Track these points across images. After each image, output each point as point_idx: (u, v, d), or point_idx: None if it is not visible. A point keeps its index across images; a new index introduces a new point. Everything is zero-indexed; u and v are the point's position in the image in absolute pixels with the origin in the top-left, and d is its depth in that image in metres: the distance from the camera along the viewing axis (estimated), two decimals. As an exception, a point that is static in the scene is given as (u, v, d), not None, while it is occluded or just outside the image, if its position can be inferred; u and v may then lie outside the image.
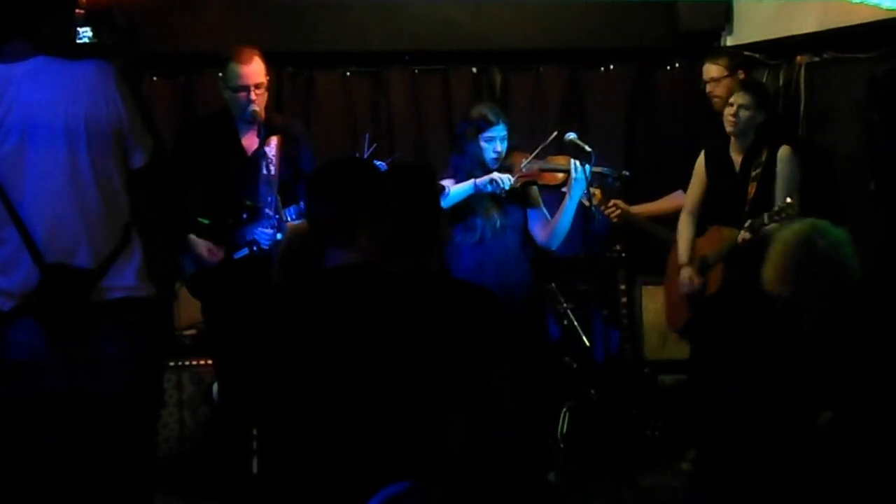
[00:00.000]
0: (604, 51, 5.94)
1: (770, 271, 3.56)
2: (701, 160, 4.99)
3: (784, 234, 3.64)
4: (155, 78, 5.73)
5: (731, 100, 4.77)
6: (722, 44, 5.70)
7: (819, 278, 3.47)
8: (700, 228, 5.00)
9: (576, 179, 4.65)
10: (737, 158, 4.84)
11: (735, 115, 4.73)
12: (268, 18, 5.64)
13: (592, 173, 4.65)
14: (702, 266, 4.87)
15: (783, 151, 4.70)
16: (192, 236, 4.58)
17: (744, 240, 4.57)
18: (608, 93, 5.99)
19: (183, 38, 5.54)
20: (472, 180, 4.64)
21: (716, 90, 5.13)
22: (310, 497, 2.50)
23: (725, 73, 5.10)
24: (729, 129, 4.79)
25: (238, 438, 4.50)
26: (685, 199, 5.08)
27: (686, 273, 4.90)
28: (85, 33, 3.23)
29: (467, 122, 4.80)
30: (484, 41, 5.80)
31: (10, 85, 2.91)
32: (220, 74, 4.54)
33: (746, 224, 4.58)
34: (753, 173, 4.73)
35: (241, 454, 4.66)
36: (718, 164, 4.90)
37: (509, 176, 4.65)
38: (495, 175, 4.64)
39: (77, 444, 2.98)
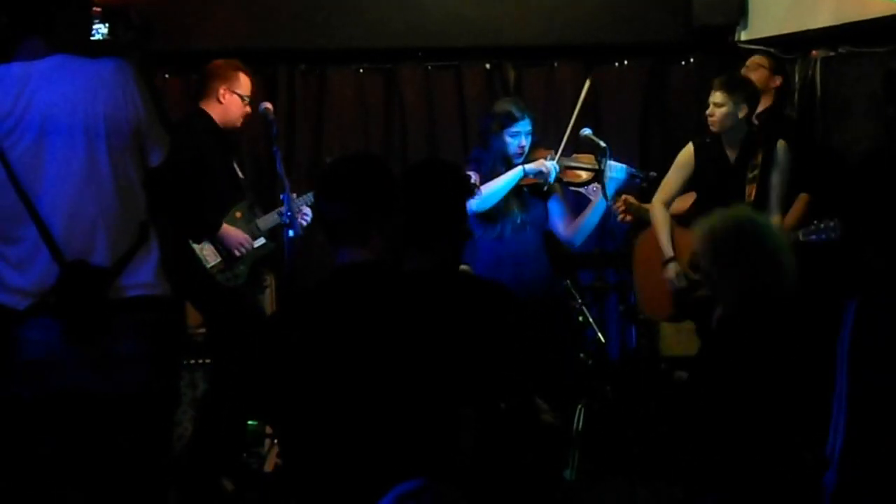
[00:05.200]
0: (618, 46, 5.94)
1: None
2: (689, 152, 4.88)
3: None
4: (167, 75, 5.74)
5: (709, 100, 4.72)
6: (736, 38, 5.68)
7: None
8: (687, 220, 4.94)
9: (611, 179, 4.65)
10: (731, 153, 4.77)
11: (711, 114, 4.69)
12: (280, 16, 5.65)
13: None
14: (694, 263, 4.76)
15: (780, 146, 4.68)
16: (226, 225, 4.76)
17: None
18: (622, 88, 5.99)
19: (195, 35, 5.55)
20: (520, 166, 4.64)
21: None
22: (324, 493, 2.50)
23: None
24: (713, 129, 4.73)
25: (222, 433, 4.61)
26: (661, 187, 4.95)
27: (673, 269, 4.77)
28: (99, 30, 3.22)
29: (492, 117, 4.80)
30: (497, 37, 5.79)
31: (28, 83, 2.90)
32: (224, 82, 4.82)
33: None
34: (750, 175, 4.68)
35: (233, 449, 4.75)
36: (711, 158, 4.81)
37: (555, 167, 4.65)
38: (546, 163, 4.64)
39: (91, 443, 2.98)
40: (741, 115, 4.67)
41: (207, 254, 4.74)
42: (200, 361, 5.09)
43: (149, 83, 3.07)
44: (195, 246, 4.69)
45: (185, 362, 5.01)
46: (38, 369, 2.90)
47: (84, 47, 3.01)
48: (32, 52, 2.94)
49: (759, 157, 4.68)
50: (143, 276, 2.98)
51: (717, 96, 4.70)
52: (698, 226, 3.28)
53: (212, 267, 4.72)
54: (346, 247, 2.60)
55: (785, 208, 4.68)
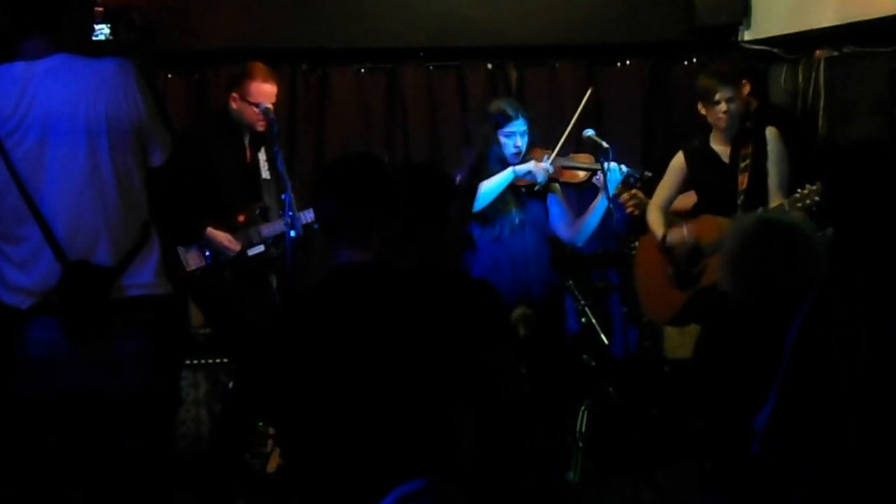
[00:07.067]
0: (620, 46, 5.92)
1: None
2: (680, 159, 4.87)
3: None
4: (169, 75, 5.73)
5: (717, 97, 4.63)
6: (739, 38, 5.67)
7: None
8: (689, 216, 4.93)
9: (611, 181, 4.63)
10: (723, 150, 4.73)
11: (727, 111, 4.62)
12: (282, 16, 5.64)
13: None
14: (694, 252, 4.71)
15: (770, 132, 4.64)
16: (211, 229, 4.75)
17: None
18: (624, 88, 5.97)
19: (197, 35, 5.54)
20: (510, 168, 4.61)
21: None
22: (326, 494, 2.49)
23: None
24: (722, 126, 4.68)
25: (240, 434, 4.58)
26: (656, 191, 4.94)
27: (675, 232, 4.73)
28: (101, 30, 3.22)
29: (486, 117, 4.77)
30: (499, 37, 5.78)
31: (30, 82, 2.91)
32: (236, 88, 4.83)
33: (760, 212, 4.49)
34: (742, 165, 4.64)
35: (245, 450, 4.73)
36: (703, 160, 4.79)
37: (547, 168, 4.63)
38: (538, 163, 4.61)
39: (94, 442, 2.98)
40: (742, 109, 4.67)
41: (191, 257, 4.77)
42: (202, 361, 5.09)
43: (150, 83, 3.08)
44: (180, 249, 4.72)
45: (186, 362, 5.01)
46: (41, 368, 2.92)
47: (86, 47, 3.02)
48: (35, 51, 2.95)
49: (749, 148, 4.64)
50: (145, 276, 3.00)
51: (726, 92, 4.61)
52: (728, 225, 3.25)
53: (192, 271, 4.76)
54: (342, 246, 2.59)
55: (790, 194, 4.60)
